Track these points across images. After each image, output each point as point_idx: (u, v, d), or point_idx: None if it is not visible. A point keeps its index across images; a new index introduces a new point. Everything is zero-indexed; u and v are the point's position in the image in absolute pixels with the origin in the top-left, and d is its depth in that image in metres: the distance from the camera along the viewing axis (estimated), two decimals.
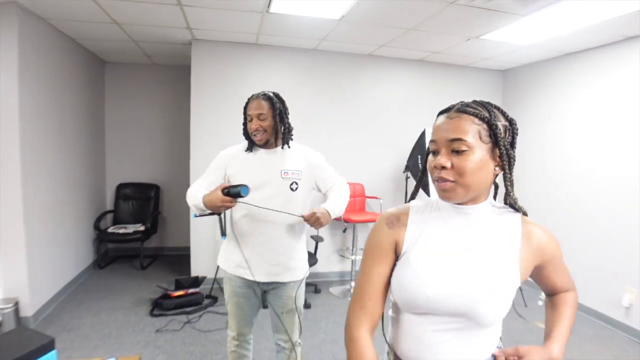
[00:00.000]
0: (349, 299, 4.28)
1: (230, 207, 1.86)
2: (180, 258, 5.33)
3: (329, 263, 4.96)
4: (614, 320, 3.79)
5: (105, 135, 5.51)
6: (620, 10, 2.99)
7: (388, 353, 1.19)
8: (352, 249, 4.64)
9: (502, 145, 1.03)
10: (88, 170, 4.91)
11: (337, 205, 2.03)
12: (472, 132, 1.00)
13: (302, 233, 2.15)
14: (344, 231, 4.82)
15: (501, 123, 1.04)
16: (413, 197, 1.24)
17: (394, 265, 1.11)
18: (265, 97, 2.03)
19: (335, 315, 3.94)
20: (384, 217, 1.14)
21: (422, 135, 4.42)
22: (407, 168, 4.65)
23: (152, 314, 3.77)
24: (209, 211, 1.91)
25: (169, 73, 5.65)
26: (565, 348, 1.11)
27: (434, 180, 1.05)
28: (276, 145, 2.07)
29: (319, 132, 4.75)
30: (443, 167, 1.00)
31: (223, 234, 2.02)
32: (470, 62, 4.99)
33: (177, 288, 3.99)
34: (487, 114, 1.02)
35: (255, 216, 1.99)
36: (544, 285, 1.20)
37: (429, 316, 1.06)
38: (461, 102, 1.06)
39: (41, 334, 1.50)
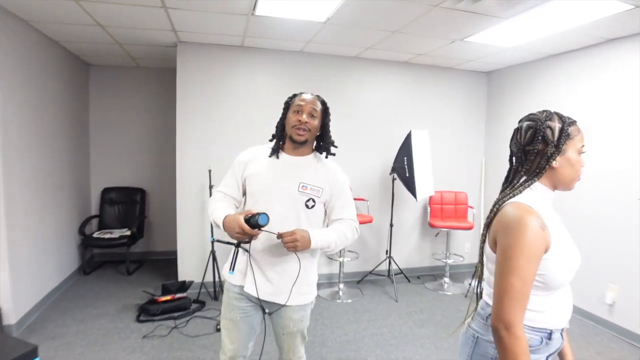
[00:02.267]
0: (338, 301, 4.32)
1: (247, 239, 1.68)
2: (167, 263, 5.28)
3: (317, 265, 4.94)
4: (598, 318, 3.85)
5: (90, 139, 5.44)
6: (599, 13, 3.05)
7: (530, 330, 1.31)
8: (340, 251, 4.64)
9: None
10: (72, 175, 4.84)
11: (330, 241, 1.79)
12: None
13: (315, 256, 1.96)
14: None
15: None
16: (514, 195, 1.35)
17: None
18: (320, 98, 1.91)
19: (323, 317, 3.93)
20: (535, 223, 1.21)
21: (408, 136, 4.44)
22: (393, 169, 4.68)
23: (138, 320, 3.72)
24: (228, 239, 1.75)
25: (154, 76, 5.60)
26: None
27: (577, 177, 1.35)
28: (307, 153, 1.89)
29: None
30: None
31: (231, 268, 1.78)
32: (455, 63, 5.05)
33: (163, 293, 3.95)
34: None
35: (269, 234, 1.76)
36: None
37: (565, 286, 1.34)
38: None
39: (24, 342, 1.48)
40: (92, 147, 5.47)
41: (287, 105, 1.91)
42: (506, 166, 1.48)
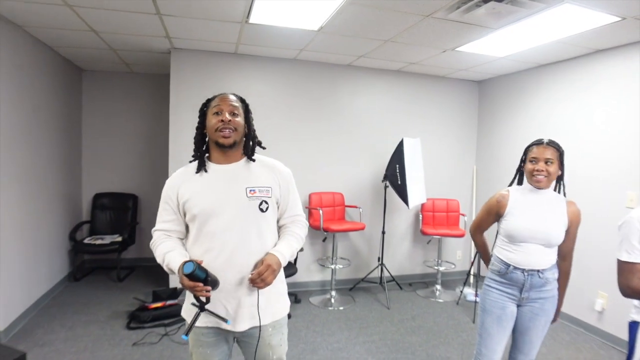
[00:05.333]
0: (330, 308, 4.34)
1: (201, 293, 1.47)
2: (158, 269, 5.20)
3: (309, 272, 4.95)
4: (587, 325, 3.88)
5: (82, 144, 5.42)
6: (588, 25, 3.11)
7: (499, 261, 2.19)
8: (332, 258, 4.64)
9: (562, 162, 2.10)
10: (64, 180, 4.81)
11: (295, 252, 1.74)
12: (554, 155, 2.05)
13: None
14: (324, 240, 4.83)
15: (562, 151, 2.09)
16: (511, 185, 2.26)
17: (498, 219, 2.21)
18: (237, 96, 1.75)
19: (315, 324, 3.92)
20: (498, 196, 2.21)
21: (400, 144, 4.47)
22: (385, 177, 4.70)
23: (128, 327, 3.69)
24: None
25: (147, 81, 5.60)
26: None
27: (532, 176, 2.08)
28: (239, 158, 1.72)
29: (299, 141, 4.77)
30: (542, 170, 2.04)
31: (186, 333, 1.52)
32: (447, 73, 5.10)
33: (154, 300, 3.93)
34: (558, 147, 2.08)
35: (220, 252, 1.59)
36: (561, 244, 2.12)
37: (525, 242, 2.08)
38: (548, 139, 2.11)
39: (12, 349, 1.47)
40: (84, 153, 5.44)
41: (204, 111, 1.72)
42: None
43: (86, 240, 5.03)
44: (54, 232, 4.55)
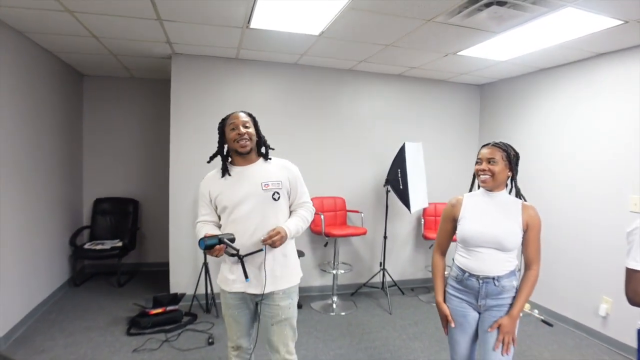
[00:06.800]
0: (331, 313, 4.32)
1: (216, 255, 1.96)
2: (159, 274, 5.22)
3: (310, 278, 4.92)
4: (591, 330, 3.85)
5: (83, 150, 5.42)
6: (590, 28, 3.10)
7: (456, 267, 2.18)
8: (334, 264, 4.62)
9: (511, 162, 2.06)
10: (64, 185, 4.80)
11: (300, 229, 2.16)
12: (498, 154, 2.03)
13: (290, 241, 2.18)
14: (325, 245, 4.81)
15: (512, 153, 2.06)
16: (470, 190, 2.28)
17: (455, 224, 2.17)
18: (246, 112, 2.18)
19: (317, 330, 3.89)
20: (453, 200, 2.22)
21: (402, 149, 4.45)
22: (387, 182, 4.68)
23: (129, 333, 3.66)
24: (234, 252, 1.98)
25: (148, 87, 5.60)
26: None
27: (478, 177, 2.11)
28: (255, 160, 2.17)
29: (300, 146, 4.75)
30: (485, 169, 2.04)
31: (246, 277, 2.01)
32: (448, 77, 5.09)
33: (155, 305, 3.90)
34: (505, 148, 2.06)
35: (245, 232, 2.04)
36: (523, 251, 2.08)
37: (479, 247, 2.05)
38: (497, 141, 2.11)
39: (8, 358, 1.44)
40: (85, 158, 5.44)
41: (222, 129, 2.16)
42: None
43: (86, 246, 5.01)
44: (54, 238, 4.53)
